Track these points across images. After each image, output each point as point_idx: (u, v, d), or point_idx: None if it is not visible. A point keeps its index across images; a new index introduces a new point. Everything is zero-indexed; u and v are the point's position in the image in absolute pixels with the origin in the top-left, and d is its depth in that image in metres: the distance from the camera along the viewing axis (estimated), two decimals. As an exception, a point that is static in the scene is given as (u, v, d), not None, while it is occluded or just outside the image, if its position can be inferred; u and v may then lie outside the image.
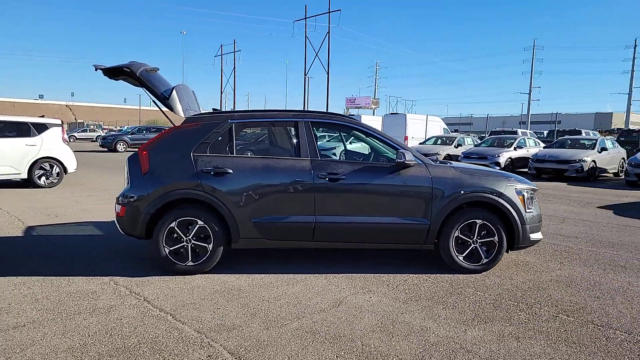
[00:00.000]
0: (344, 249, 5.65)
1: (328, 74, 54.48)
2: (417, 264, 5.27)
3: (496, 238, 4.98)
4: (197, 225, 4.75)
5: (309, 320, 3.74)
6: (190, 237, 4.77)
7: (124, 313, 3.83)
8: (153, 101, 5.20)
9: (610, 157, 16.43)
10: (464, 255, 4.99)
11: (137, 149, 5.41)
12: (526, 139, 19.05)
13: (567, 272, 5.13)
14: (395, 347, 3.29)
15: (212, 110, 5.39)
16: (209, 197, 4.72)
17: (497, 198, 4.94)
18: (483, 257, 5.01)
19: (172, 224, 4.74)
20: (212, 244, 4.77)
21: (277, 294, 4.30)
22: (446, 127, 28.24)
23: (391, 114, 28.12)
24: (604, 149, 16.12)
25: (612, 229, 7.60)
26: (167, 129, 5.08)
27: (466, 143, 20.83)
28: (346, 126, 5.20)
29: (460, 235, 4.96)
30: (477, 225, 4.95)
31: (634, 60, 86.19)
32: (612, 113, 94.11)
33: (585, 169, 14.97)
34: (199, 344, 3.31)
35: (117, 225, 4.95)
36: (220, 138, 4.93)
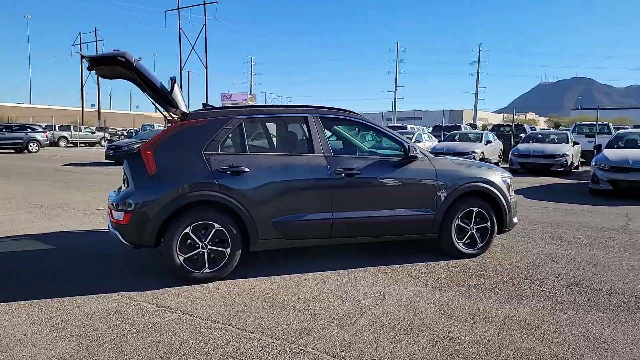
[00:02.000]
0: (336, 245, 5.68)
1: (207, 68, 52.88)
2: (412, 253, 5.50)
3: (489, 224, 5.41)
4: (214, 229, 4.44)
5: (373, 315, 3.74)
6: (206, 242, 4.44)
7: (176, 329, 3.47)
8: (149, 97, 4.72)
9: (493, 148, 18.46)
10: (463, 241, 5.34)
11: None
12: (422, 134, 20.53)
13: (542, 250, 5.76)
14: (473, 330, 3.46)
15: (206, 105, 5.06)
16: (226, 198, 4.44)
17: (490, 187, 5.37)
18: (478, 242, 5.41)
19: (187, 230, 4.37)
20: (229, 248, 4.50)
21: (316, 294, 4.22)
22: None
23: None
24: (489, 141, 18.05)
25: (536, 211, 8.63)
26: (169, 126, 4.65)
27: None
28: (353, 121, 5.24)
29: (460, 223, 5.30)
30: (474, 212, 5.34)
31: (479, 64, 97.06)
32: (462, 110, 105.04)
33: (477, 159, 16.59)
34: (290, 350, 3.15)
35: (118, 235, 4.42)
36: (231, 135, 4.65)
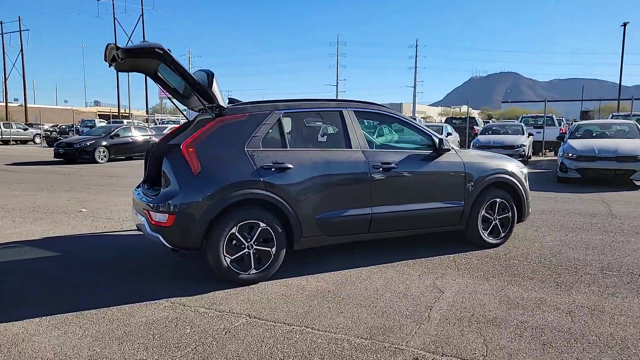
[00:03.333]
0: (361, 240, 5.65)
1: (145, 61, 50.66)
2: (434, 245, 5.56)
3: (510, 214, 5.57)
4: (260, 229, 4.27)
5: (441, 309, 3.74)
6: (252, 242, 4.27)
7: (253, 333, 3.31)
8: (166, 91, 4.49)
9: (452, 140, 19.04)
10: (487, 231, 5.47)
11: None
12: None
13: (554, 237, 6.01)
14: (547, 319, 3.53)
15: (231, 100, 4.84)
16: (271, 196, 4.28)
17: (511, 178, 5.53)
18: (501, 231, 5.57)
19: (234, 230, 4.18)
20: (275, 247, 4.35)
21: (371, 290, 4.16)
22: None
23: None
24: (449, 133, 18.62)
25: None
26: (210, 121, 4.39)
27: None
28: (385, 115, 5.20)
29: (485, 214, 5.42)
30: (497, 203, 5.48)
31: (416, 58, 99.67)
32: (402, 103, 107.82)
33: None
34: (386, 349, 3.08)
35: (160, 238, 4.14)
36: (270, 130, 4.49)
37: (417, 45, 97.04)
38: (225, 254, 4.17)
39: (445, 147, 5.07)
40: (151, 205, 4.21)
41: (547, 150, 21.75)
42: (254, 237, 4.27)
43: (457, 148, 5.43)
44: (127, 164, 17.84)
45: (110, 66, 4.77)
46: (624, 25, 35.22)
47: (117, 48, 4.02)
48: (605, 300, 3.90)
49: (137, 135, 20.47)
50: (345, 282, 4.38)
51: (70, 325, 3.47)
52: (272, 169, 4.31)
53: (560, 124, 23.28)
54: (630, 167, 10.53)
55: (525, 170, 5.83)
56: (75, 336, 3.30)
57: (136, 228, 5.02)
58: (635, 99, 32.63)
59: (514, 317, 3.58)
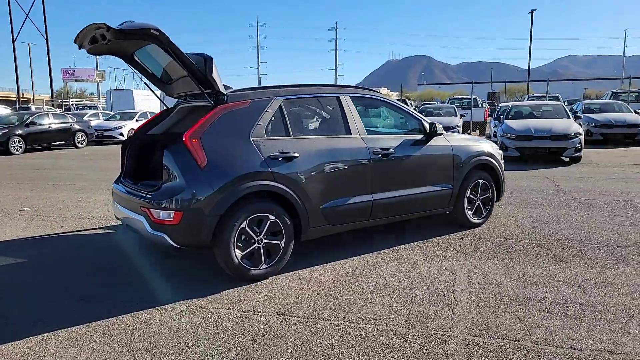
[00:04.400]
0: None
1: (47, 40, 46.62)
2: (421, 228, 5.68)
3: (490, 194, 5.80)
4: (269, 221, 4.10)
5: (463, 291, 3.81)
6: (261, 236, 4.08)
7: (292, 331, 3.17)
8: (149, 77, 4.19)
9: None
10: (472, 212, 5.66)
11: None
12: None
13: (526, 214, 6.34)
14: (564, 294, 3.71)
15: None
16: (280, 187, 4.11)
17: (492, 160, 5.74)
18: (483, 211, 5.78)
19: (243, 224, 3.96)
20: (284, 240, 4.20)
21: (385, 277, 4.15)
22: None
23: (115, 89, 26.73)
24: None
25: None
26: (210, 110, 4.09)
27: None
28: (378, 100, 5.15)
29: (470, 195, 5.59)
30: (480, 184, 5.67)
31: (336, 41, 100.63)
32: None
33: None
34: (434, 337, 3.08)
35: (165, 238, 3.83)
36: (273, 118, 4.28)
37: (336, 27, 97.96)
38: (236, 250, 3.95)
39: (438, 132, 5.13)
40: (152, 202, 3.87)
41: (470, 131, 22.92)
42: (264, 231, 4.08)
43: (444, 131, 5.50)
44: (47, 155, 16.43)
45: (80, 48, 4.30)
46: (532, 12, 37.72)
47: (108, 28, 3.61)
48: (602, 272, 4.18)
49: (56, 123, 18.88)
50: (356, 270, 4.33)
51: (84, 340, 3.13)
52: (279, 159, 4.13)
53: (483, 106, 24.63)
54: (563, 145, 11.37)
55: (500, 151, 6.08)
56: (97, 352, 2.97)
57: (124, 226, 4.61)
58: (551, 80, 35.27)
59: (533, 294, 3.73)
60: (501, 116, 13.64)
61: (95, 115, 25.84)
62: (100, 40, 3.85)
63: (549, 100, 24.23)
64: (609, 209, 6.53)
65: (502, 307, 3.50)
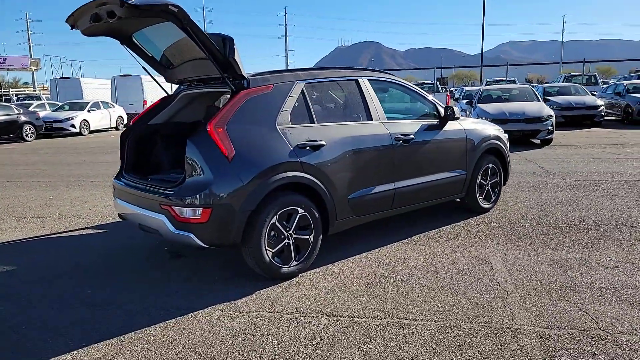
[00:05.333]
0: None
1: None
2: (433, 215, 5.56)
3: (498, 178, 5.74)
4: (298, 215, 3.82)
5: (507, 281, 3.68)
6: (291, 232, 3.81)
7: (350, 333, 2.94)
8: (148, 60, 3.83)
9: None
10: (483, 197, 5.58)
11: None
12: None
13: (530, 197, 6.34)
14: (608, 277, 3.65)
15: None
16: (309, 178, 3.84)
17: (500, 144, 5.67)
18: (492, 196, 5.72)
19: (274, 219, 3.67)
20: (313, 234, 3.94)
21: (420, 269, 3.97)
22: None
23: (61, 78, 25.29)
24: None
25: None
26: (234, 95, 3.72)
27: None
28: (393, 83, 4.93)
29: (480, 180, 5.50)
30: (489, 169, 5.59)
31: (286, 27, 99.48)
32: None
33: None
34: (503, 330, 2.93)
35: (192, 238, 3.48)
36: (297, 104, 3.98)
37: (285, 13, 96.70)
38: (267, 248, 3.66)
39: (456, 115, 4.98)
40: (176, 199, 3.50)
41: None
42: (293, 226, 3.81)
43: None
44: (-3, 150, 15.24)
45: (73, 28, 3.85)
46: (483, -2, 38.44)
47: (122, 4, 3.18)
48: (632, 253, 4.17)
49: (0, 115, 17.53)
50: (386, 262, 4.13)
51: (123, 355, 2.77)
52: (307, 148, 3.85)
53: (444, 91, 24.96)
54: (536, 128, 11.59)
55: (506, 134, 6.02)
56: (142, 371, 2.63)
57: (136, 226, 4.20)
58: (496, 66, 36.11)
59: (578, 279, 3.66)
60: (473, 100, 13.76)
61: (42, 106, 24.25)
62: (106, 18, 3.41)
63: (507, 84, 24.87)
64: (603, 189, 6.64)
65: (555, 295, 3.40)
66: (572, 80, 24.16)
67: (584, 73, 25.42)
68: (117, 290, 3.71)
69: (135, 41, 4.25)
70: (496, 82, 29.93)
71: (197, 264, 4.25)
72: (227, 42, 3.64)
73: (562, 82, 23.97)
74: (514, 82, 27.75)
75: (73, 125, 20.04)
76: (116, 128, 22.72)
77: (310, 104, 4.05)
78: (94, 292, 3.70)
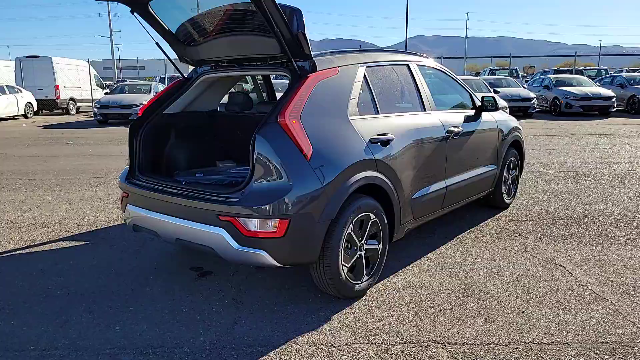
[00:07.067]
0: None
1: None
2: (455, 212, 5.23)
3: (516, 172, 5.52)
4: (370, 222, 3.25)
5: (596, 283, 3.39)
6: (363, 242, 3.24)
7: (493, 369, 2.46)
8: (163, 33, 3.10)
9: None
10: (506, 192, 5.32)
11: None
12: None
13: (532, 190, 6.21)
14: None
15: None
16: (382, 178, 3.28)
17: (520, 135, 5.43)
18: (512, 190, 5.48)
19: (350, 228, 3.08)
20: (381, 242, 3.39)
21: (494, 277, 3.58)
22: (96, 73, 24.77)
23: (27, 57, 22.23)
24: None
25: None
26: (302, 79, 3.03)
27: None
28: (435, 70, 4.45)
29: (505, 174, 5.23)
30: (511, 162, 5.33)
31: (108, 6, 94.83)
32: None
33: None
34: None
35: (265, 256, 2.78)
36: (361, 91, 3.39)
37: None
38: (343, 263, 3.06)
39: (500, 106, 4.63)
40: (242, 207, 2.77)
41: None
42: (365, 235, 3.23)
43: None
44: None
45: None
46: (406, -11, 39.17)
47: None
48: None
49: None
50: (452, 270, 3.69)
51: None
52: (378, 143, 3.27)
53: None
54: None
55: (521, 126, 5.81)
56: None
57: (173, 241, 3.36)
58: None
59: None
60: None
61: None
62: None
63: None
64: (595, 181, 6.70)
65: (660, 301, 3.15)
66: (497, 74, 25.31)
67: (504, 67, 26.74)
68: (153, 326, 2.91)
69: (151, 10, 3.41)
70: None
71: (233, 282, 3.52)
72: (295, 14, 2.95)
73: (488, 75, 25.01)
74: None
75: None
76: (25, 116, 20.18)
77: (373, 92, 3.48)
78: (124, 329, 2.88)
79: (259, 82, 5.09)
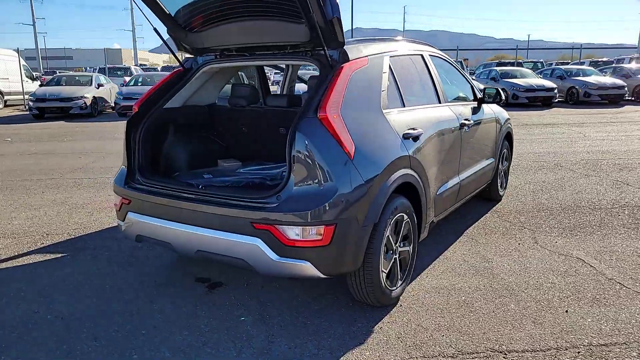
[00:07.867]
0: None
1: None
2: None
3: (507, 164, 5.50)
4: (403, 223, 3.03)
5: (621, 277, 3.36)
6: (398, 244, 3.01)
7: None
8: (165, 18, 2.73)
9: (107, 90, 17.50)
10: (500, 184, 5.27)
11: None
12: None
13: (518, 181, 6.24)
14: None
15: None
16: (414, 176, 3.06)
17: (511, 126, 5.40)
18: (504, 183, 5.46)
19: (388, 231, 2.84)
20: (412, 244, 3.18)
21: (521, 275, 3.46)
22: (25, 63, 22.87)
23: None
24: (100, 84, 17.02)
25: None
26: (337, 70, 2.72)
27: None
28: (445, 61, 4.27)
29: (500, 166, 5.18)
30: (504, 154, 5.30)
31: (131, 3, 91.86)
32: (121, 49, 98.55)
33: (88, 104, 15.49)
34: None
35: (309, 267, 2.49)
36: (389, 83, 3.14)
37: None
38: (383, 269, 2.82)
39: (500, 100, 4.55)
40: (282, 213, 2.45)
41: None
42: (399, 237, 3.01)
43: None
44: None
45: None
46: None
47: None
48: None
49: None
50: (476, 269, 3.55)
51: None
52: (409, 138, 3.05)
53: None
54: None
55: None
56: None
57: (194, 252, 2.97)
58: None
59: None
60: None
61: None
62: None
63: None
64: (569, 170, 6.84)
65: (690, 293, 3.15)
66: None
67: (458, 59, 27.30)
68: (177, 352, 2.54)
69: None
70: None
71: (250, 293, 3.19)
72: None
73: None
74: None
75: None
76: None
77: (398, 83, 3.24)
78: (144, 357, 2.49)
79: (243, 74, 4.73)
